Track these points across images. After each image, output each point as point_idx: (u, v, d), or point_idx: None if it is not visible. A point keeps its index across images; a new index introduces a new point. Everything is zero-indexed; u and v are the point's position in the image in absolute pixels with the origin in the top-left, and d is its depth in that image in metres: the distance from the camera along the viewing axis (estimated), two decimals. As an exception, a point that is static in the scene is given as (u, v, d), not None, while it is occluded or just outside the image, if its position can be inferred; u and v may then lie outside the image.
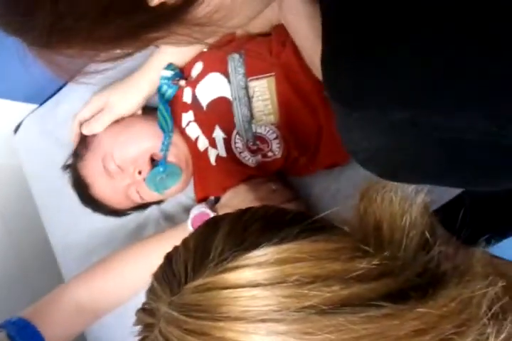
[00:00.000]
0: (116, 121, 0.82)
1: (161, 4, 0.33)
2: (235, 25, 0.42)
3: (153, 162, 0.78)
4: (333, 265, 0.30)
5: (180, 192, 0.84)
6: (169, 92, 0.80)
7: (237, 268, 0.29)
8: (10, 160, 1.10)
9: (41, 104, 1.05)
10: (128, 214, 0.89)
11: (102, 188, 0.82)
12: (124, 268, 0.77)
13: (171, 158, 0.78)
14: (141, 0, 0.32)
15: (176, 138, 0.79)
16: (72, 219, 0.96)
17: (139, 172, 0.78)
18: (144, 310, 0.34)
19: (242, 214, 0.38)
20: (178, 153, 0.79)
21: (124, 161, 0.77)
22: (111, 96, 0.83)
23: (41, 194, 1.03)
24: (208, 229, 0.37)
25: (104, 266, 0.78)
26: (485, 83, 0.31)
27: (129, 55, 0.39)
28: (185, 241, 0.38)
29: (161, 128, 0.78)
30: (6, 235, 1.11)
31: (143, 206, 0.87)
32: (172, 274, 0.34)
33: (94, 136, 0.82)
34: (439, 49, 0.32)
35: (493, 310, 0.29)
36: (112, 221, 0.91)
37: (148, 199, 0.82)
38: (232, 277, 0.29)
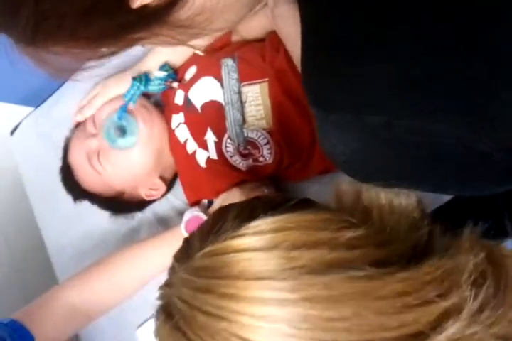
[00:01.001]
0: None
1: (143, 6, 0.33)
2: (218, 28, 0.42)
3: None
4: (321, 233, 0.34)
5: (144, 169, 0.82)
6: (156, 88, 0.82)
7: (237, 236, 0.34)
8: (6, 162, 1.10)
9: (37, 107, 1.06)
10: (125, 210, 0.89)
11: (88, 178, 0.82)
12: (118, 270, 0.77)
13: (134, 111, 0.79)
14: (124, 1, 0.32)
15: (156, 113, 0.82)
16: (66, 222, 0.97)
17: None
18: (164, 285, 0.39)
19: (251, 200, 0.43)
20: (146, 116, 0.80)
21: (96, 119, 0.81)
22: (106, 82, 0.86)
23: (36, 196, 1.03)
24: (219, 213, 0.41)
25: (99, 268, 0.78)
26: (461, 89, 0.32)
27: (114, 53, 0.39)
28: (199, 225, 0.42)
29: (134, 79, 0.80)
30: (1, 238, 1.12)
31: (137, 205, 0.87)
32: (186, 250, 0.39)
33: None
34: (416, 57, 0.33)
35: (472, 277, 0.32)
36: (105, 224, 0.91)
37: (113, 175, 0.81)
38: (233, 244, 0.34)
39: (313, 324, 0.29)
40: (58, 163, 0.90)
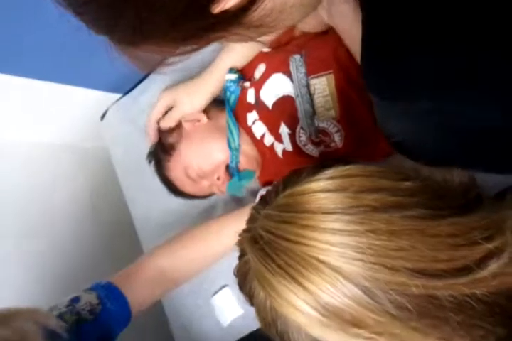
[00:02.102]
0: (190, 133, 0.89)
1: (223, 11, 0.39)
2: (285, 26, 0.47)
3: (229, 168, 0.87)
4: (383, 181, 0.40)
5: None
6: (233, 97, 0.87)
7: (315, 180, 0.41)
8: (97, 143, 1.21)
9: (125, 94, 1.15)
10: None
11: (187, 188, 0.91)
12: (207, 238, 0.83)
13: (243, 166, 0.86)
14: (207, 8, 0.38)
15: (244, 145, 0.86)
16: (151, 198, 1.05)
17: (218, 178, 0.87)
18: (247, 223, 0.46)
19: (321, 161, 0.47)
20: (248, 159, 0.86)
21: (203, 172, 0.86)
22: (178, 96, 0.90)
23: (124, 174, 1.13)
24: (293, 171, 0.48)
25: (182, 239, 0.84)
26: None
27: (196, 50, 0.45)
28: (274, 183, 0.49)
29: (229, 146, 0.85)
30: (92, 212, 1.23)
31: None
32: (264, 199, 0.46)
33: (175, 147, 0.90)
34: (463, 54, 0.38)
35: None
36: (186, 201, 0.99)
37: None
38: (312, 185, 0.41)
39: (376, 252, 0.35)
40: (144, 145, 0.99)
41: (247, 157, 0.86)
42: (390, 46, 0.42)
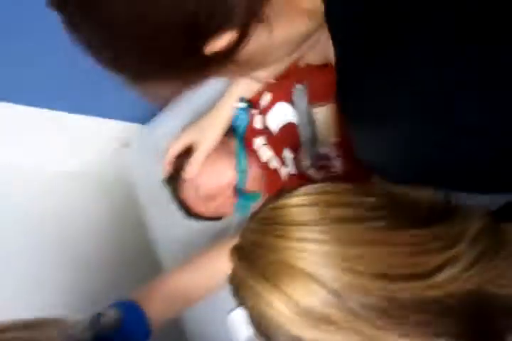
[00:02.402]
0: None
1: (214, 52, 0.45)
2: (273, 62, 0.53)
3: (236, 190, 0.93)
4: (350, 197, 0.45)
5: None
6: (243, 126, 0.94)
7: (291, 196, 0.46)
8: (120, 171, 1.28)
9: (146, 124, 1.23)
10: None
11: (198, 208, 0.97)
12: (223, 257, 0.88)
13: (250, 187, 0.92)
14: (199, 50, 0.44)
15: (251, 168, 0.92)
16: (172, 221, 1.10)
17: (225, 199, 0.93)
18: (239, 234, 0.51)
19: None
20: (254, 181, 0.92)
21: (211, 192, 0.93)
22: (195, 135, 0.96)
23: (146, 199, 1.20)
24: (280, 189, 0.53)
25: (204, 256, 0.88)
26: None
27: (197, 84, 0.51)
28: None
29: (238, 168, 0.92)
30: (115, 236, 1.30)
31: None
32: (255, 210, 0.51)
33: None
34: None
35: (472, 237, 0.42)
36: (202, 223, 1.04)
37: None
38: (287, 201, 0.46)
39: (341, 258, 0.40)
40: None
41: (254, 179, 0.92)
42: (356, 81, 0.48)
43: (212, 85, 1.03)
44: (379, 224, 0.42)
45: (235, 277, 0.47)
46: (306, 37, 0.54)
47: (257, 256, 0.44)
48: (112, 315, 0.78)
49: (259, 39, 0.47)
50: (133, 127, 1.25)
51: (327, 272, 0.40)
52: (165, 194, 1.06)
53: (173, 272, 0.90)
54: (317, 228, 0.42)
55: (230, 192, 0.93)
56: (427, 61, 0.44)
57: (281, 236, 0.43)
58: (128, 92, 0.52)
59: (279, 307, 0.41)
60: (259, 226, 0.46)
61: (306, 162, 0.84)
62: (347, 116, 0.51)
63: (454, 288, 0.39)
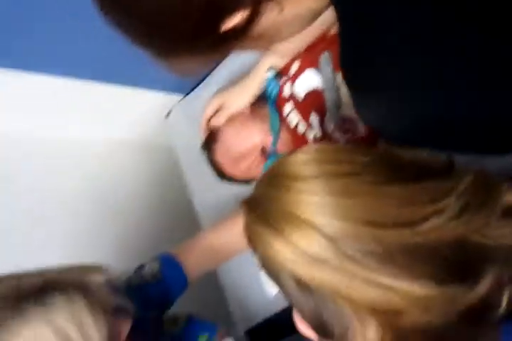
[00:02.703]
0: (234, 119, 1.02)
1: (230, 28, 0.50)
2: (288, 36, 0.57)
3: (264, 151, 0.98)
4: (346, 154, 0.49)
5: None
6: (274, 92, 0.98)
7: (295, 153, 0.51)
8: (162, 139, 1.36)
9: (186, 95, 1.31)
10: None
11: (229, 169, 1.04)
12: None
13: (280, 149, 0.96)
14: (216, 27, 0.49)
15: (282, 132, 0.97)
16: (211, 186, 1.18)
17: (254, 160, 0.99)
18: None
19: None
20: (284, 144, 0.97)
21: (241, 153, 0.99)
22: (227, 99, 1.03)
23: (188, 165, 1.27)
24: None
25: (231, 219, 0.93)
26: None
27: (220, 58, 0.56)
28: None
29: (272, 129, 0.97)
30: (158, 200, 1.38)
31: None
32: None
33: (221, 132, 1.04)
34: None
35: (460, 192, 0.45)
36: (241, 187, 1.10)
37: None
38: (292, 157, 0.50)
39: (334, 208, 0.45)
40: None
41: (283, 144, 0.97)
42: (362, 48, 0.52)
43: (250, 57, 1.08)
44: (371, 178, 0.46)
45: (247, 227, 0.53)
46: (317, 13, 0.57)
47: (263, 207, 0.49)
48: (153, 267, 0.86)
49: (270, 16, 0.52)
50: (175, 97, 1.32)
51: (323, 219, 0.45)
52: (203, 160, 1.12)
53: (209, 230, 0.96)
54: (314, 181, 0.47)
55: (258, 154, 0.98)
56: (425, 32, 0.46)
57: (283, 189, 0.48)
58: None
59: (282, 250, 0.46)
60: (267, 180, 0.52)
61: (331, 126, 0.88)
62: (348, 82, 0.54)
63: (439, 236, 0.43)
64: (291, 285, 0.49)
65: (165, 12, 0.48)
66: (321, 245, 0.44)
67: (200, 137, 1.12)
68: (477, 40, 0.46)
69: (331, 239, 0.44)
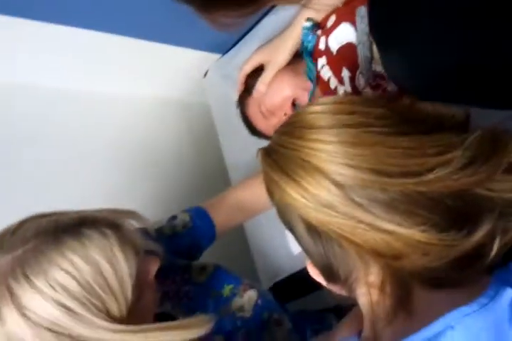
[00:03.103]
0: None
1: None
2: None
3: (295, 104, 0.98)
4: (359, 106, 0.50)
5: None
6: (310, 45, 0.97)
7: (312, 104, 0.52)
8: (200, 98, 1.39)
9: (224, 54, 1.31)
10: None
11: (260, 124, 1.05)
12: None
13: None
14: None
15: (316, 87, 0.96)
16: (243, 145, 1.20)
17: (285, 114, 0.98)
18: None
19: None
20: (316, 97, 0.95)
21: (273, 106, 0.99)
22: (267, 54, 1.01)
23: (221, 123, 1.29)
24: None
25: (258, 177, 0.93)
26: None
27: (256, 11, 0.56)
28: None
29: (309, 78, 0.96)
30: (193, 156, 1.42)
31: None
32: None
33: (254, 86, 1.03)
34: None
35: (467, 145, 0.46)
36: None
37: None
38: (308, 108, 0.52)
39: (344, 156, 0.46)
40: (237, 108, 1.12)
41: (316, 95, 0.96)
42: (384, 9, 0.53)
43: (287, 15, 1.08)
44: (381, 129, 0.47)
45: (265, 175, 0.54)
46: None
47: (279, 154, 0.51)
48: (184, 217, 0.90)
49: None
50: (212, 57, 1.33)
51: (333, 167, 0.46)
52: (238, 120, 1.14)
53: (237, 186, 0.99)
54: (327, 131, 0.48)
55: (288, 108, 0.98)
56: None
57: (298, 137, 0.50)
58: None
59: (294, 194, 0.48)
60: (284, 129, 0.53)
61: (361, 81, 0.87)
62: (375, 38, 0.54)
63: (442, 187, 0.44)
64: (301, 229, 0.51)
65: None
66: (330, 191, 0.47)
67: (236, 95, 1.12)
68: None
69: (340, 186, 0.46)
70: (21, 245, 0.58)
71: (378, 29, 0.56)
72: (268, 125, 1.03)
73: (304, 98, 0.96)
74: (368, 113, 0.49)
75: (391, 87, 0.84)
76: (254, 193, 0.94)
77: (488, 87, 0.51)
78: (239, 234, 1.21)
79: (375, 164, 0.46)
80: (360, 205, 0.46)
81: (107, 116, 1.28)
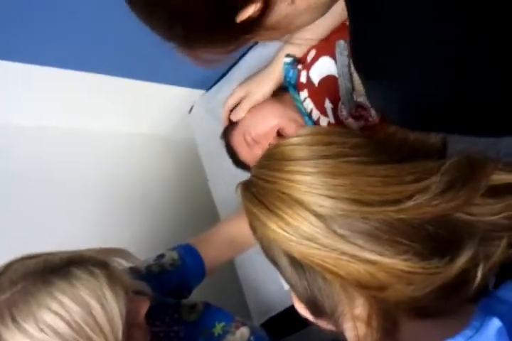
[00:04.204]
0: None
1: (244, 20, 0.52)
2: (302, 26, 0.59)
3: (280, 134, 0.98)
4: (336, 137, 0.50)
5: None
6: (293, 79, 0.99)
7: (289, 137, 0.52)
8: (185, 133, 1.40)
9: (208, 90, 1.33)
10: None
11: (243, 153, 1.04)
12: None
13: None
14: (231, 19, 0.51)
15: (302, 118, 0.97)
16: (230, 177, 1.19)
17: (269, 145, 0.97)
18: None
19: None
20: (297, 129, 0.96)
21: (257, 135, 0.99)
22: (249, 88, 1.04)
23: (208, 158, 1.29)
24: None
25: None
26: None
27: (237, 48, 0.58)
28: None
29: (300, 110, 0.98)
30: (179, 192, 1.41)
31: None
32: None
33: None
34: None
35: (443, 171, 0.46)
36: None
37: None
38: (285, 141, 0.52)
39: (324, 186, 0.46)
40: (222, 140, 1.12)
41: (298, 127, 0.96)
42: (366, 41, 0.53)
43: (269, 52, 1.09)
44: (359, 159, 0.47)
45: (246, 210, 0.53)
46: (329, 3, 0.59)
47: (258, 187, 0.51)
48: (172, 255, 0.89)
49: (282, 7, 0.54)
50: (196, 93, 1.35)
51: (312, 198, 0.46)
52: (224, 154, 1.14)
53: (226, 221, 0.98)
54: (305, 162, 0.48)
55: (273, 137, 0.98)
56: (432, 16, 0.47)
57: (277, 170, 0.49)
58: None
59: (275, 228, 0.48)
60: (262, 162, 0.53)
61: (344, 112, 0.88)
62: (359, 72, 0.55)
63: (422, 213, 0.44)
64: (285, 263, 0.50)
65: (187, 3, 0.51)
66: (311, 223, 0.46)
67: (221, 130, 1.13)
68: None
69: (321, 217, 0.46)
70: (9, 287, 0.57)
71: (362, 63, 0.56)
72: (252, 155, 1.02)
73: (290, 128, 0.97)
74: (345, 142, 0.49)
75: (373, 117, 0.85)
76: (242, 228, 0.91)
77: (474, 117, 0.51)
78: (229, 269, 1.19)
79: (355, 194, 0.45)
80: (342, 236, 0.45)
81: (93, 153, 1.28)
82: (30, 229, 1.08)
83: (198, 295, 0.92)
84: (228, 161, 1.13)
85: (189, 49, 0.57)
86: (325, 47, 0.92)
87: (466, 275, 0.44)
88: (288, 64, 0.98)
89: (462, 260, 0.44)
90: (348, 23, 0.89)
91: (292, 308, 0.98)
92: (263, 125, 0.98)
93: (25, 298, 0.56)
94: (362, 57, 0.56)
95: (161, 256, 0.90)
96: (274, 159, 0.51)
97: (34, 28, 0.92)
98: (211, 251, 0.92)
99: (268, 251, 0.53)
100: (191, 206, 1.40)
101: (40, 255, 0.64)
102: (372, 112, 0.85)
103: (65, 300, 0.56)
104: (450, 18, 0.46)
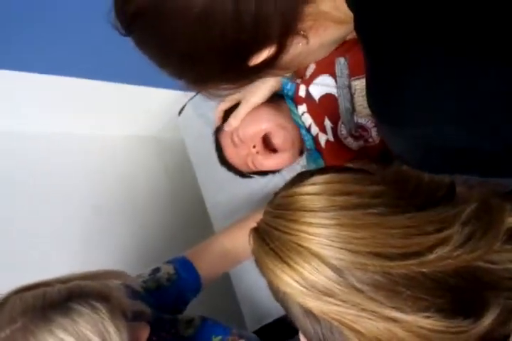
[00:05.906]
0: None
1: (259, 62, 0.51)
2: (313, 61, 0.58)
3: (266, 140, 0.97)
4: (353, 185, 0.49)
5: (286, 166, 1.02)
6: (290, 92, 0.97)
7: (301, 185, 0.50)
8: (175, 135, 1.38)
9: (198, 93, 1.29)
10: (251, 177, 1.08)
11: (229, 151, 1.03)
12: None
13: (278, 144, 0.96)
14: (245, 63, 0.51)
15: (294, 130, 0.96)
16: (222, 183, 1.18)
17: (254, 147, 0.96)
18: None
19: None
20: (288, 140, 0.96)
21: (244, 135, 0.97)
22: (244, 93, 1.00)
23: (198, 162, 1.28)
24: (294, 177, 0.57)
25: (244, 223, 0.95)
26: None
27: (244, 85, 0.58)
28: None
29: (295, 122, 0.97)
30: (170, 195, 1.40)
31: (261, 173, 1.06)
32: (274, 194, 0.55)
33: None
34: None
35: (464, 219, 0.46)
36: (252, 185, 1.10)
37: (260, 168, 1.01)
38: (298, 189, 0.50)
39: (343, 239, 0.45)
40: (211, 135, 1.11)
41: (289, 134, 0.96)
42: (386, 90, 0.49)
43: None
44: (378, 210, 0.46)
45: (255, 253, 0.53)
46: (341, 39, 0.59)
47: (271, 237, 0.49)
48: (168, 270, 0.88)
49: (297, 48, 0.53)
50: (186, 96, 1.32)
51: (331, 252, 0.45)
52: (214, 157, 1.11)
53: (222, 233, 0.97)
54: (323, 214, 0.47)
55: (258, 140, 0.97)
56: (462, 72, 0.44)
57: (293, 221, 0.48)
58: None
59: (289, 281, 0.47)
60: (275, 211, 0.51)
61: (344, 131, 0.88)
62: (377, 112, 0.52)
63: (445, 266, 0.44)
64: (298, 313, 0.49)
65: (201, 48, 0.50)
66: (328, 277, 0.45)
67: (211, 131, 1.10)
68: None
69: (339, 271, 0.45)
70: (9, 324, 0.56)
71: (380, 109, 0.51)
72: (236, 153, 1.01)
73: (277, 135, 0.96)
74: (363, 192, 0.48)
75: (372, 137, 0.84)
76: (239, 240, 0.93)
77: (492, 163, 0.50)
78: (223, 276, 1.19)
79: (375, 247, 0.44)
80: (360, 291, 0.44)
81: (84, 156, 1.26)
82: (14, 238, 1.06)
83: (192, 302, 0.92)
84: (218, 165, 1.10)
85: (200, 86, 0.57)
86: (324, 63, 0.90)
87: (493, 334, 0.44)
88: (287, 78, 0.97)
89: (489, 318, 0.43)
90: (348, 38, 0.88)
91: (287, 316, 1.00)
92: (252, 127, 0.96)
93: (25, 336, 0.55)
94: (383, 105, 0.51)
95: (157, 270, 0.89)
96: (290, 209, 0.50)
97: (22, 34, 0.90)
98: (206, 265, 0.91)
99: (279, 297, 0.52)
100: (183, 210, 1.39)
101: (37, 285, 0.63)
102: (373, 133, 0.85)
103: (67, 337, 0.56)
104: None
